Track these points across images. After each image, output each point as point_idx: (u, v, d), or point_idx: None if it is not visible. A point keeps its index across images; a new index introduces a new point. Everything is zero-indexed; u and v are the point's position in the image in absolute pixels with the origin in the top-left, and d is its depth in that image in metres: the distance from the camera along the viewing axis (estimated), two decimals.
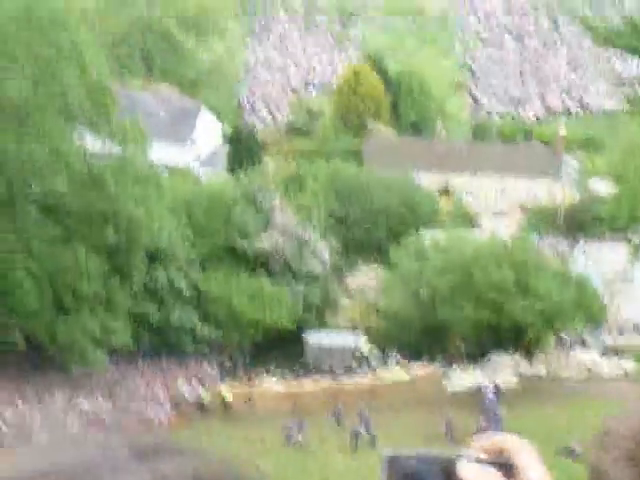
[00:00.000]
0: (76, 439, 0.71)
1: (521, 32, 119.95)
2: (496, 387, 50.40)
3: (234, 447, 44.11)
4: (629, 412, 1.84)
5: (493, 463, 1.67)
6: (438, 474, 1.70)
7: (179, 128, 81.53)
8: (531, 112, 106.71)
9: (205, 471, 0.70)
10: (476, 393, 50.51)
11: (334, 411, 48.00)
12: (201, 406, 50.99)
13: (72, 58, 46.26)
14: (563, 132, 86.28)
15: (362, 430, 44.86)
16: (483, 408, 46.95)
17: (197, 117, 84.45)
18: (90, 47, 48.11)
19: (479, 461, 1.67)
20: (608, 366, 54.72)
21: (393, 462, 1.75)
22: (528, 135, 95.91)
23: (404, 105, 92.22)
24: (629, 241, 65.86)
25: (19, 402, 45.17)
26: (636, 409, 1.84)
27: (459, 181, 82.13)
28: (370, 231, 68.76)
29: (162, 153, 70.75)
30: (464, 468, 1.65)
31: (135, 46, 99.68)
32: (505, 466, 1.66)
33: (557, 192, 79.23)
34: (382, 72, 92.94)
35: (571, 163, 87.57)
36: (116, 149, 49.70)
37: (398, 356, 57.04)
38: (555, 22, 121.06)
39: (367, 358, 57.87)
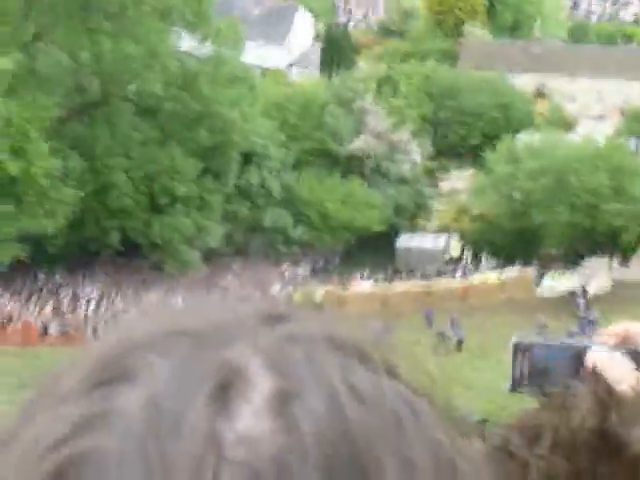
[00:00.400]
0: (205, 304, 0.74)
1: None
2: (587, 292, 50.08)
3: None
4: None
5: (622, 350, 1.67)
6: (566, 362, 1.71)
7: (274, 29, 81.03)
8: (631, 13, 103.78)
9: (337, 333, 0.69)
10: (568, 297, 50.24)
11: (424, 313, 48.18)
12: None
13: None
14: None
15: (449, 332, 45.02)
16: (575, 312, 46.76)
17: (292, 17, 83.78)
18: None
19: (607, 349, 1.68)
20: None
21: (521, 349, 1.77)
22: (627, 37, 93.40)
23: (500, 5, 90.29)
24: None
25: (116, 299, 46.21)
26: None
27: (555, 84, 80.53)
28: (463, 134, 68.07)
29: (256, 54, 70.58)
30: (593, 356, 1.66)
31: None
32: (634, 353, 1.67)
33: None
34: None
35: None
36: (211, 50, 49.71)
37: (490, 259, 56.86)
38: None
39: (459, 261, 57.82)
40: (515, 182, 54.48)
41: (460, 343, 44.63)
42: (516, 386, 1.77)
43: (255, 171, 54.24)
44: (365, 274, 56.04)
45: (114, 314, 44.07)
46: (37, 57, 45.53)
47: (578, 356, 1.69)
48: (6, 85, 35.90)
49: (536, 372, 1.75)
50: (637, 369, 1.62)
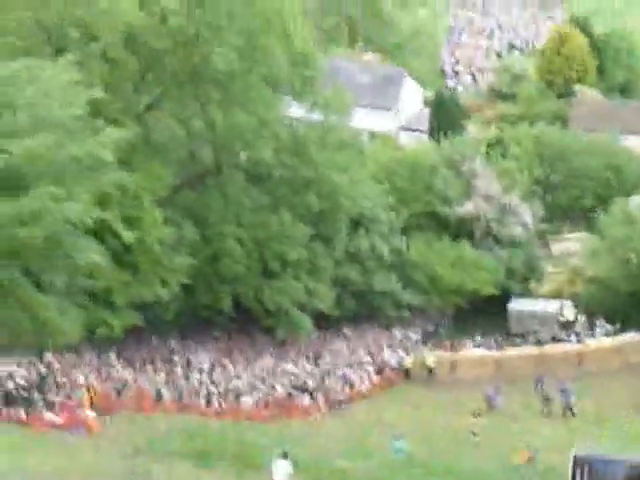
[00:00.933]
0: None
1: None
2: None
3: (436, 412, 44.35)
4: None
5: None
6: (626, 477, 1.75)
7: (382, 96, 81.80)
8: None
9: None
10: None
11: (536, 378, 47.53)
12: (404, 371, 51.33)
13: (277, 28, 46.92)
14: None
15: (557, 397, 44.51)
16: None
17: (400, 84, 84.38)
18: (295, 17, 48.64)
19: None
20: None
21: (580, 463, 1.81)
22: None
23: (611, 67, 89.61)
24: None
25: (227, 364, 46.50)
26: None
27: None
28: (575, 196, 67.44)
29: (365, 120, 71.25)
30: None
31: (339, 14, 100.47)
32: None
33: None
34: (588, 33, 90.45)
35: None
36: (319, 116, 50.31)
37: (605, 324, 55.83)
38: None
39: (573, 325, 56.90)
40: (630, 244, 53.75)
41: (569, 408, 43.98)
42: None
43: (364, 235, 54.41)
44: (477, 338, 55.49)
45: (227, 381, 44.41)
46: (151, 127, 46.64)
47: (635, 472, 1.72)
48: (122, 155, 36.74)
49: None
50: None
